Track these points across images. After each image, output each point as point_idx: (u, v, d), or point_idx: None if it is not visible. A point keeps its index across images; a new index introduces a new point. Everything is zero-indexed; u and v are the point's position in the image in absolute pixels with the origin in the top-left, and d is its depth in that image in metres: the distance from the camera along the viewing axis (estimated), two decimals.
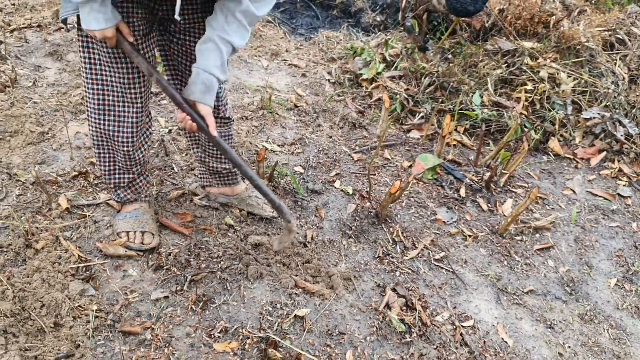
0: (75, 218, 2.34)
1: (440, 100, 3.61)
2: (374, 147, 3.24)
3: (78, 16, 1.76)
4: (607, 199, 3.21)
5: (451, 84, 3.63)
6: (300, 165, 2.96)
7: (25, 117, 2.86)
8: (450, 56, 4.01)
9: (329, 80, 3.87)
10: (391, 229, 2.62)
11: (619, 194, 3.27)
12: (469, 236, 2.69)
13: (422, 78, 3.67)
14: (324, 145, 3.18)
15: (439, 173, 3.08)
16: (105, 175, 2.24)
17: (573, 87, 3.72)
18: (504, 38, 3.97)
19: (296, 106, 3.49)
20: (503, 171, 3.14)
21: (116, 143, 2.08)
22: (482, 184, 3.07)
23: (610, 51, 4.13)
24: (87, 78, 1.93)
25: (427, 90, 3.63)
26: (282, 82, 3.74)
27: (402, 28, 4.05)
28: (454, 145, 3.43)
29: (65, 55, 3.43)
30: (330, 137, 3.28)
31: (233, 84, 3.58)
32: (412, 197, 2.88)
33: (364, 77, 3.83)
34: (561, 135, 3.64)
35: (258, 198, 2.56)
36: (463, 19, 4.16)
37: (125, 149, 2.10)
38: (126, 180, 2.26)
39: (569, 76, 3.76)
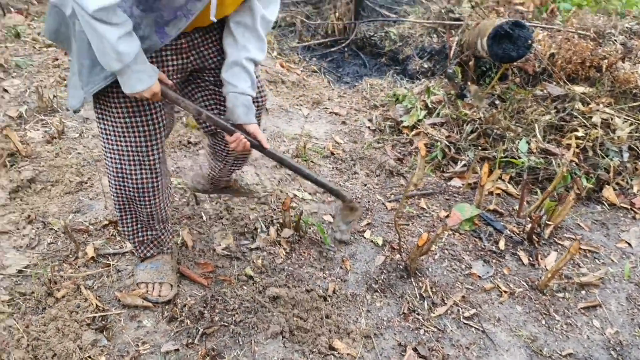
0: (99, 267, 2.38)
1: (483, 147, 3.49)
2: (410, 195, 3.15)
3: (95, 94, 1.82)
4: None
5: (495, 130, 3.50)
6: (330, 214, 2.91)
7: (67, 167, 2.97)
8: (498, 102, 3.89)
9: (369, 127, 3.83)
10: (420, 283, 2.51)
11: None
12: (505, 292, 2.53)
13: (465, 125, 3.57)
14: (358, 194, 3.12)
15: (477, 224, 2.95)
16: (129, 236, 2.27)
17: (630, 133, 3.51)
18: (554, 83, 3.83)
19: (332, 154, 3.47)
20: (548, 222, 2.97)
21: (138, 206, 2.12)
22: (523, 235, 2.90)
23: None
24: (105, 148, 1.97)
25: (469, 138, 3.52)
26: (321, 130, 3.73)
27: (443, 75, 3.98)
28: (498, 194, 3.29)
29: None
30: (365, 185, 3.22)
31: (271, 132, 3.60)
32: (447, 249, 2.76)
33: (405, 124, 3.77)
34: (617, 184, 3.42)
35: (249, 186, 2.71)
36: (515, 63, 4.06)
37: (147, 210, 2.13)
38: (149, 237, 2.28)
39: (625, 121, 3.56)
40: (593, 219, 3.20)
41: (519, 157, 3.39)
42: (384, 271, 2.57)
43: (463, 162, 3.44)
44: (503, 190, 3.31)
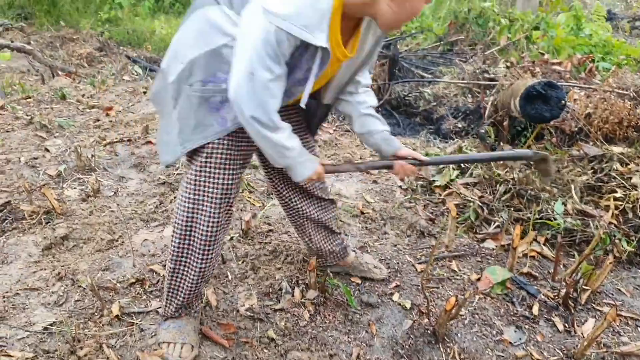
0: (123, 325, 2.38)
1: (517, 208, 3.41)
2: (441, 257, 3.08)
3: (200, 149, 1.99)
4: None
5: (529, 191, 3.43)
6: (357, 275, 2.86)
7: (100, 225, 3.03)
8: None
9: (400, 186, 3.81)
10: (448, 349, 2.42)
11: None
12: None
13: (498, 185, 3.51)
14: (387, 254, 3.07)
15: (509, 288, 2.85)
16: (173, 293, 2.28)
17: None
18: (591, 143, 3.76)
19: (362, 213, 3.45)
20: (585, 287, 2.85)
21: (194, 259, 2.17)
22: (559, 300, 2.79)
23: None
24: (184, 196, 2.08)
25: (503, 198, 3.45)
26: (352, 189, 3.72)
27: (476, 135, 3.96)
28: (533, 257, 3.19)
29: (148, 167, 3.66)
30: (395, 245, 3.17)
31: None
32: (477, 314, 2.66)
33: (437, 183, 3.74)
34: None
35: (368, 264, 2.81)
36: (552, 123, 4.01)
37: (202, 265, 2.17)
38: (188, 298, 2.29)
39: None
40: (635, 284, 3.06)
41: (555, 219, 3.30)
42: (411, 336, 2.49)
43: (496, 224, 3.37)
44: (538, 253, 3.21)
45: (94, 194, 3.30)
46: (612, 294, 2.93)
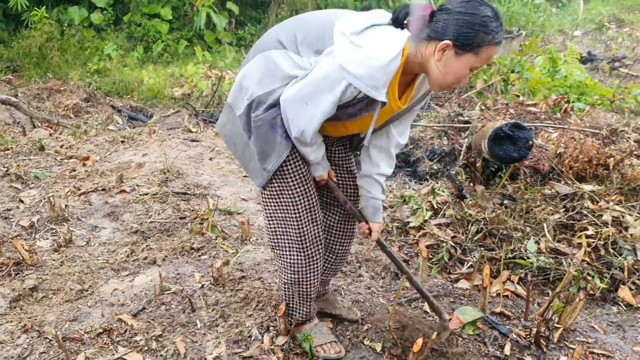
0: None
1: (490, 248, 3.43)
2: (414, 298, 3.08)
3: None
4: None
5: (501, 230, 3.45)
6: (329, 319, 2.84)
7: (70, 275, 3.02)
8: (508, 201, 3.87)
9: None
10: None
11: None
12: None
13: (470, 225, 3.53)
14: (361, 297, 3.06)
15: (481, 328, 2.83)
16: (298, 297, 2.54)
17: None
18: (562, 182, 3.80)
19: None
20: (557, 325, 2.84)
21: (312, 263, 2.44)
22: (530, 339, 2.77)
23: None
24: (287, 216, 2.34)
25: (475, 238, 3.47)
26: None
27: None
28: (507, 296, 3.18)
29: (121, 216, 3.67)
30: (369, 288, 3.17)
31: None
32: (449, 355, 2.64)
33: (412, 224, 3.76)
34: (633, 283, 3.28)
35: (344, 301, 2.93)
36: (527, 163, 4.06)
37: (319, 265, 2.46)
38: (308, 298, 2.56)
39: (637, 219, 3.47)
40: (608, 321, 3.05)
41: (528, 258, 3.31)
42: None
43: (469, 263, 3.38)
44: (512, 292, 3.21)
45: (65, 244, 3.30)
46: (586, 332, 2.92)
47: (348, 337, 2.72)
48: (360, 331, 2.77)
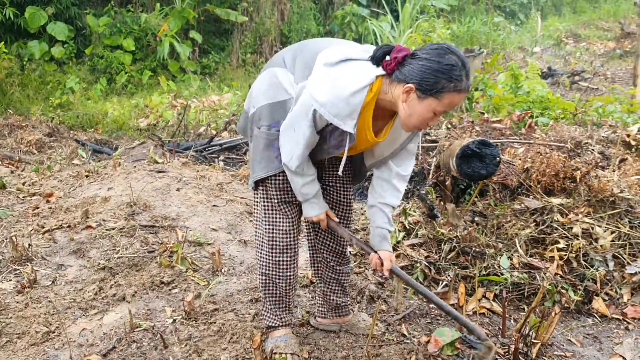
0: None
1: (463, 266, 3.42)
2: (390, 322, 3.04)
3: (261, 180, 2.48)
4: None
5: (474, 248, 3.45)
6: (307, 350, 2.79)
7: (35, 318, 2.91)
8: (478, 218, 3.88)
9: (350, 252, 3.78)
10: None
11: None
12: None
13: (443, 244, 3.53)
14: None
15: (459, 348, 2.80)
16: (267, 299, 2.71)
17: (612, 241, 3.46)
18: (531, 196, 3.83)
19: (312, 282, 3.40)
20: (534, 340, 2.83)
21: (280, 269, 2.61)
22: (509, 357, 2.76)
23: None
24: (262, 221, 2.57)
25: (448, 257, 3.46)
26: (301, 258, 3.67)
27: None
28: (483, 313, 3.17)
29: (87, 252, 3.56)
30: None
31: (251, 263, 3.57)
32: None
33: None
34: (606, 294, 3.31)
35: (366, 322, 2.96)
36: (495, 179, 4.09)
37: (287, 273, 2.62)
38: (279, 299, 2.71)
39: (606, 230, 3.51)
40: (585, 333, 3.07)
41: (502, 274, 3.31)
42: None
43: (444, 282, 3.36)
44: (488, 309, 3.20)
45: (30, 285, 3.19)
46: (563, 345, 2.92)
47: None
48: (338, 357, 2.72)
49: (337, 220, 2.57)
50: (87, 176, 4.96)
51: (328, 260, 2.82)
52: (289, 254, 2.61)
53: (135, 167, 5.13)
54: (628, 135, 4.94)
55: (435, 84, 2.03)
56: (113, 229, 3.76)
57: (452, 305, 3.18)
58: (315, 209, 2.45)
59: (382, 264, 2.50)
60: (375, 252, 2.53)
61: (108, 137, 7.94)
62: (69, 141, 7.46)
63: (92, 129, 8.28)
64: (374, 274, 3.57)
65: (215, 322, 2.94)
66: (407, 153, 2.48)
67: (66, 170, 5.33)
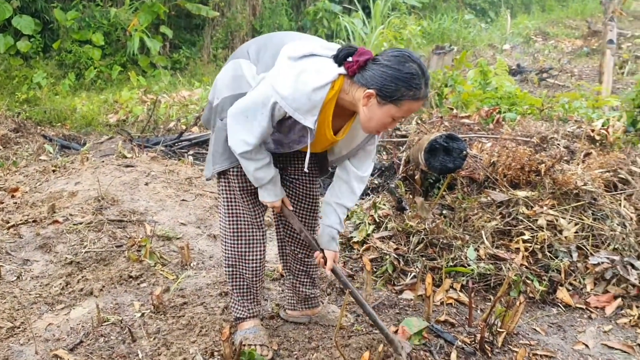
0: None
1: (431, 258, 3.47)
2: (360, 314, 3.06)
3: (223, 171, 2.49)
4: (625, 352, 2.87)
5: (441, 240, 3.50)
6: (276, 342, 2.80)
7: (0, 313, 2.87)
8: (447, 211, 3.93)
9: None
10: None
11: (639, 345, 2.93)
12: None
13: (411, 237, 3.57)
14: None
15: (426, 337, 2.84)
16: (235, 290, 2.72)
17: (576, 233, 3.54)
18: (497, 189, 3.90)
19: (282, 276, 3.41)
20: (500, 329, 2.89)
21: (246, 261, 2.63)
22: (475, 346, 2.81)
23: (613, 192, 3.97)
24: (225, 212, 2.58)
25: (417, 249, 3.51)
26: (272, 252, 3.69)
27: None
28: (450, 304, 3.22)
29: (54, 247, 3.52)
30: None
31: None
32: None
33: (355, 239, 3.78)
34: (570, 284, 3.38)
35: (335, 313, 2.98)
36: (463, 173, 4.15)
37: (253, 265, 2.64)
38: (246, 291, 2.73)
39: (570, 222, 3.59)
40: (549, 322, 3.13)
41: (469, 265, 3.36)
42: None
43: (413, 274, 3.40)
44: (455, 300, 3.25)
45: None
46: (528, 334, 2.98)
47: (295, 355, 2.69)
48: (308, 348, 2.74)
49: (292, 209, 2.58)
50: (54, 171, 4.89)
51: (296, 252, 2.83)
52: (254, 245, 2.63)
53: (103, 161, 5.07)
54: (592, 130, 5.06)
55: (395, 91, 2.08)
56: (80, 223, 3.72)
57: (420, 296, 3.22)
58: (271, 196, 2.44)
59: (325, 263, 2.55)
60: (322, 250, 2.57)
61: (76, 133, 7.81)
62: (36, 137, 7.31)
63: (60, 125, 8.14)
64: (344, 266, 3.60)
65: (184, 316, 2.93)
66: (365, 154, 2.52)
67: (32, 166, 5.24)
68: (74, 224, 3.72)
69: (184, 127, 7.19)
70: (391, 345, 2.54)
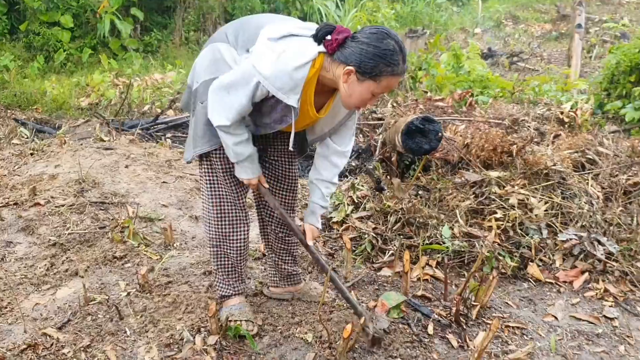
0: None
1: (408, 236, 3.59)
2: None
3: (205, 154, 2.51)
4: (591, 323, 3.04)
5: (418, 219, 3.62)
6: (261, 317, 2.88)
7: None
8: (422, 192, 4.05)
9: (299, 226, 3.90)
10: None
11: (604, 316, 3.10)
12: None
13: (389, 216, 3.68)
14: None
15: (405, 311, 2.97)
16: (219, 269, 2.79)
17: (546, 211, 3.68)
18: (471, 170, 4.02)
19: (264, 255, 3.50)
20: (474, 303, 3.02)
21: (230, 241, 2.68)
22: (451, 318, 2.94)
23: (581, 172, 4.14)
24: (208, 195, 2.62)
25: (394, 228, 3.63)
26: (253, 232, 3.76)
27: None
28: (427, 280, 3.35)
29: (37, 229, 3.54)
30: None
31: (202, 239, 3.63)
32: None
33: (334, 219, 3.87)
34: (540, 260, 3.54)
35: (317, 289, 3.06)
36: (438, 155, 4.27)
37: (237, 244, 2.70)
38: (232, 278, 2.81)
39: (540, 200, 3.74)
40: (520, 296, 3.28)
41: (444, 243, 3.49)
42: None
43: (390, 252, 3.52)
44: (431, 276, 3.37)
45: None
46: (500, 307, 3.12)
47: (279, 330, 2.78)
48: (292, 323, 2.84)
49: (268, 187, 2.65)
50: (32, 154, 4.87)
51: (277, 231, 2.90)
52: (237, 225, 2.68)
53: (81, 144, 5.07)
54: (562, 113, 5.23)
55: (374, 67, 2.14)
56: (62, 205, 3.74)
57: (398, 273, 3.35)
58: (247, 173, 2.48)
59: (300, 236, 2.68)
60: (299, 232, 2.69)
61: (48, 117, 7.72)
62: (6, 120, 7.22)
63: (31, 108, 8.04)
64: (324, 245, 3.70)
65: (169, 294, 3.00)
66: (345, 129, 2.60)
67: (8, 149, 5.21)
68: (56, 207, 3.74)
69: (158, 110, 7.18)
70: (360, 317, 2.63)
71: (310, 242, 2.67)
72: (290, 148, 2.38)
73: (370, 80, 2.18)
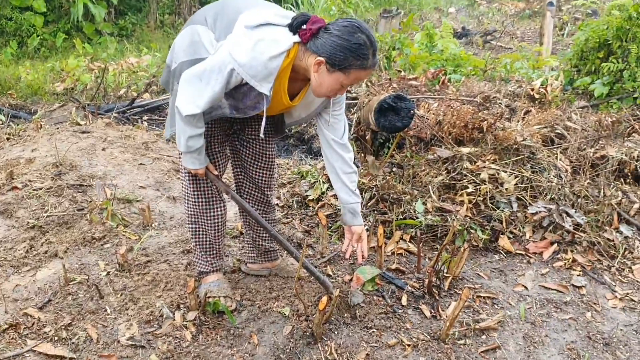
0: None
1: (383, 212, 3.68)
2: (316, 265, 3.26)
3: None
4: (560, 291, 3.16)
5: (392, 195, 3.71)
6: (239, 293, 2.96)
7: None
8: (397, 169, 4.14)
9: (277, 204, 3.97)
10: (326, 347, 2.58)
11: (572, 285, 3.22)
12: (408, 345, 2.63)
13: (364, 192, 3.76)
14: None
15: (379, 284, 3.06)
16: (198, 246, 2.86)
17: (515, 185, 3.79)
18: (443, 147, 4.12)
19: (241, 234, 3.56)
20: (446, 274, 3.13)
21: (208, 218, 2.76)
22: (424, 290, 3.04)
23: (551, 146, 4.26)
24: (185, 172, 2.66)
25: (369, 204, 3.71)
26: (231, 211, 3.82)
27: None
28: (401, 254, 3.44)
29: (15, 212, 3.56)
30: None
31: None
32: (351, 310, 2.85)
33: (310, 197, 3.94)
34: (510, 232, 3.65)
35: (293, 265, 3.15)
36: (411, 133, 4.35)
37: (215, 220, 2.78)
38: (210, 255, 2.89)
39: (510, 175, 3.84)
40: (492, 268, 3.39)
41: (417, 217, 3.58)
42: (291, 340, 2.62)
43: (365, 227, 3.59)
44: (405, 250, 3.47)
45: None
46: (472, 279, 3.23)
47: (257, 305, 2.86)
48: (269, 298, 2.92)
49: (217, 173, 2.66)
50: (7, 139, 4.86)
51: (255, 209, 2.96)
52: (214, 202, 2.76)
53: (58, 128, 5.06)
54: (532, 89, 5.33)
55: (343, 60, 2.20)
56: (40, 189, 3.76)
57: (373, 247, 3.43)
58: (195, 164, 2.51)
59: (357, 240, 2.81)
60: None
61: (23, 102, 7.66)
62: None
63: (6, 94, 7.96)
64: (300, 223, 3.77)
65: (149, 273, 3.06)
66: (336, 121, 2.64)
67: None
68: (34, 190, 3.76)
69: (134, 94, 7.16)
70: (323, 285, 2.76)
71: (364, 242, 2.85)
72: (261, 135, 2.44)
73: (339, 72, 2.23)
